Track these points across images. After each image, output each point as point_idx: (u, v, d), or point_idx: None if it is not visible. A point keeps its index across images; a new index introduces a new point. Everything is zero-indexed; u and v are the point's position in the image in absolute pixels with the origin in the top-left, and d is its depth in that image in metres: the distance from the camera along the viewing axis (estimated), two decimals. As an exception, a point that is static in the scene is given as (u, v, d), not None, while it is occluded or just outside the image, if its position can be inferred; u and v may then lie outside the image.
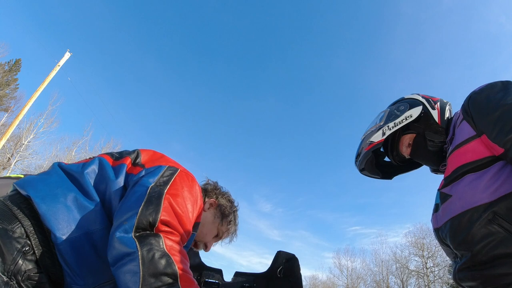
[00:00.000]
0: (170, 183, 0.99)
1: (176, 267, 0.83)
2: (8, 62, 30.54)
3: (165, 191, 0.95)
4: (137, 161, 1.11)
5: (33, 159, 23.93)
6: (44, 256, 0.86)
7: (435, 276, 29.19)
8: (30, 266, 0.83)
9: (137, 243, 0.81)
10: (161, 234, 0.87)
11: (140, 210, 0.87)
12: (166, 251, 0.84)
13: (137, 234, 0.84)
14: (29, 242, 0.84)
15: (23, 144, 23.08)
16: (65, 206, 0.90)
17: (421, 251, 30.67)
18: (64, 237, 0.86)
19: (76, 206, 0.91)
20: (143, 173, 1.03)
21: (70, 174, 1.00)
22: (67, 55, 15.18)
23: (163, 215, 0.89)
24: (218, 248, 1.45)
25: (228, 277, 1.71)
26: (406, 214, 48.30)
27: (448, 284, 27.27)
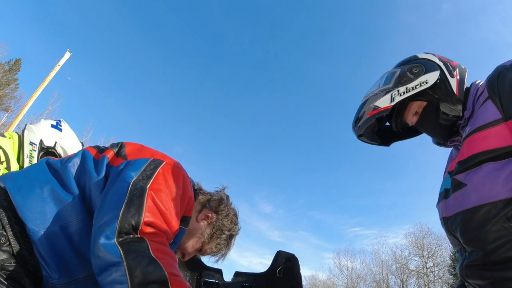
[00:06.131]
0: (154, 177, 0.93)
1: (165, 273, 0.79)
2: (8, 62, 30.55)
3: (148, 186, 0.89)
4: (120, 152, 1.06)
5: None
6: (22, 248, 0.86)
7: (435, 276, 29.21)
8: (4, 256, 0.83)
9: (121, 251, 0.77)
10: (146, 238, 0.83)
11: (121, 212, 0.81)
12: (153, 256, 0.80)
13: (120, 240, 0.79)
14: (4, 234, 0.84)
15: (23, 144, 23.00)
16: (40, 198, 0.88)
17: (421, 251, 30.70)
18: (37, 229, 0.85)
19: (52, 198, 0.89)
20: (124, 165, 0.98)
21: (53, 167, 0.99)
22: (67, 55, 15.13)
23: (146, 216, 0.84)
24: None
25: (228, 277, 1.71)
26: (406, 215, 48.38)
27: (448, 284, 27.26)
